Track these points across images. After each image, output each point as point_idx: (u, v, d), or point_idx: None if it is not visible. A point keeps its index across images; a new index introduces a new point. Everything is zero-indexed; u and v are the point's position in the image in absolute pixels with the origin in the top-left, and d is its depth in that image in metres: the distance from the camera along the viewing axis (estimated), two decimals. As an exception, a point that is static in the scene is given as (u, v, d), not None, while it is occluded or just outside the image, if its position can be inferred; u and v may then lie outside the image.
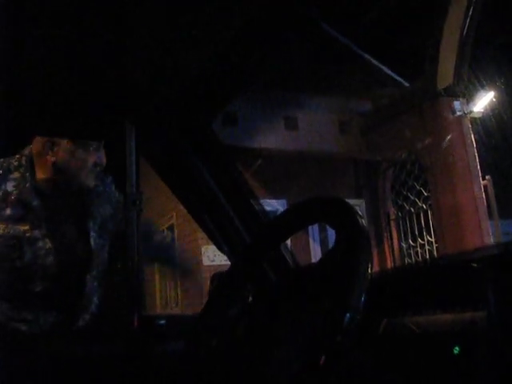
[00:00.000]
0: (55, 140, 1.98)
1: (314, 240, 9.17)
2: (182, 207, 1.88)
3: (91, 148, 2.03)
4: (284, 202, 8.69)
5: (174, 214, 9.32)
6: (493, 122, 8.13)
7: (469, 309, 1.08)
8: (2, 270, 1.95)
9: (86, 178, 2.08)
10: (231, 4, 1.17)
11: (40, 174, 2.04)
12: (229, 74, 1.52)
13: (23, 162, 2.03)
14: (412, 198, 9.30)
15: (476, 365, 1.03)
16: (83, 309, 2.07)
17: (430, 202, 8.83)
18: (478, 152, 8.23)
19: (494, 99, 8.20)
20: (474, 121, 8.37)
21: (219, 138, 1.72)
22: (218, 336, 1.27)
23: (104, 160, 2.11)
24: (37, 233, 1.98)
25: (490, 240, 7.91)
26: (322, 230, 8.97)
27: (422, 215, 9.06)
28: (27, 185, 2.00)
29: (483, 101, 8.27)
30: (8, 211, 1.96)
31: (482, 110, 8.30)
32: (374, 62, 9.35)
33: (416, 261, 9.30)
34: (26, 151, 2.06)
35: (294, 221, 1.25)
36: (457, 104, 8.23)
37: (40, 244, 1.98)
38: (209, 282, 1.71)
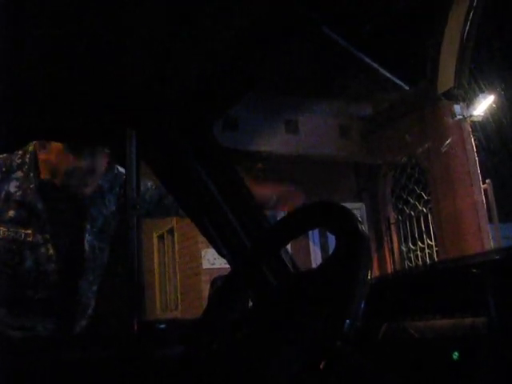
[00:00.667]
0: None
1: (314, 244, 9.17)
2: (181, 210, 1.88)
3: (98, 152, 1.96)
4: (284, 205, 8.67)
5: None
6: (493, 125, 8.14)
7: (468, 314, 1.08)
8: (0, 275, 1.90)
9: (92, 181, 2.01)
10: (232, 7, 1.17)
11: (44, 175, 1.95)
12: (230, 78, 1.52)
13: (26, 159, 1.94)
14: (412, 201, 9.30)
15: (476, 370, 1.03)
16: (83, 313, 2.05)
17: (430, 206, 8.84)
18: (478, 156, 8.23)
19: (494, 103, 8.21)
20: (474, 125, 8.38)
21: (219, 141, 1.71)
22: (218, 340, 1.26)
23: (107, 165, 2.04)
24: (39, 238, 1.92)
25: (490, 244, 7.91)
26: (322, 235, 8.97)
27: (422, 219, 9.07)
28: (31, 186, 1.92)
29: (483, 105, 8.28)
30: (10, 213, 1.89)
31: (482, 114, 8.30)
32: (375, 65, 9.36)
33: (416, 265, 9.29)
34: (30, 147, 1.96)
35: (295, 226, 1.25)
36: (457, 108, 8.24)
37: (42, 250, 1.92)
38: (209, 286, 1.71)
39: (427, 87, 8.43)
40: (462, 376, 1.04)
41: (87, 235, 2.04)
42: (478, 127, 8.34)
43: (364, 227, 1.04)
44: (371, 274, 0.99)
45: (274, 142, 8.92)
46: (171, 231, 9.93)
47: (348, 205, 1.11)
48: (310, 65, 7.45)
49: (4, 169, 1.93)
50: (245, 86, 1.58)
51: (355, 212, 1.07)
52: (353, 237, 1.02)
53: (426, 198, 8.96)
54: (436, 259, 8.78)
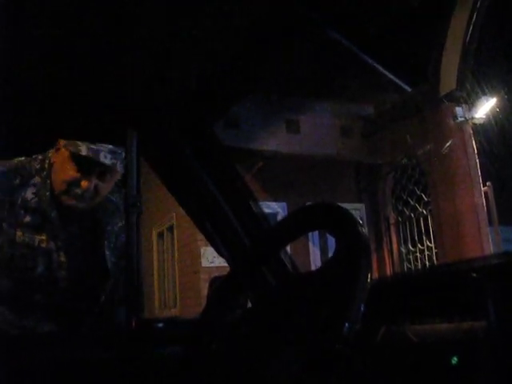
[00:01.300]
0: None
1: (313, 245, 9.17)
2: (181, 208, 1.87)
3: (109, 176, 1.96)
4: (284, 205, 8.69)
5: (174, 214, 9.32)
6: (494, 128, 8.13)
7: (468, 318, 1.08)
8: (11, 279, 1.92)
9: (104, 193, 2.01)
10: (232, 7, 1.17)
11: (58, 186, 1.95)
12: (231, 77, 1.52)
13: (45, 165, 1.96)
14: (412, 203, 9.30)
15: (475, 374, 1.03)
16: (83, 313, 2.06)
17: (430, 208, 8.83)
18: (479, 158, 8.23)
19: (496, 106, 8.20)
20: (475, 127, 8.37)
21: (220, 140, 1.71)
22: (217, 340, 1.26)
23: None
24: (52, 245, 1.94)
25: (490, 246, 7.91)
26: (322, 236, 8.97)
27: (421, 220, 9.06)
28: (47, 193, 1.94)
29: (485, 107, 8.28)
30: (27, 218, 1.91)
31: (484, 117, 8.30)
32: (377, 66, 9.36)
33: (415, 267, 9.29)
34: (50, 153, 1.99)
35: (294, 227, 1.25)
36: (459, 110, 8.23)
37: (54, 256, 1.94)
38: (207, 285, 1.71)
39: (429, 89, 8.43)
40: (461, 380, 1.04)
41: (100, 247, 2.07)
42: (480, 130, 8.34)
43: (364, 229, 1.04)
44: (371, 276, 0.98)
45: (275, 142, 8.92)
46: (171, 229, 9.93)
47: (348, 205, 1.10)
48: (311, 65, 7.45)
49: (24, 174, 1.95)
50: (245, 86, 1.58)
51: (355, 212, 1.07)
52: (353, 239, 1.02)
53: (426, 199, 8.95)
54: (435, 261, 8.78)
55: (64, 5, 1.04)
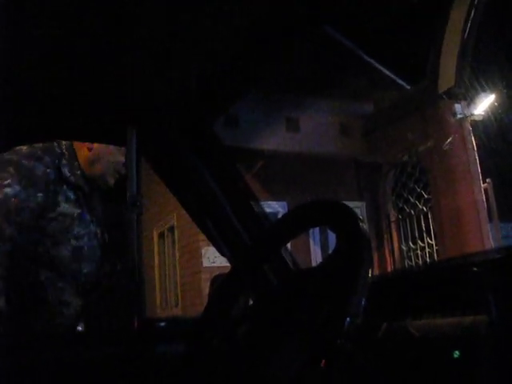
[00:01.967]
0: None
1: (314, 242, 9.18)
2: (182, 208, 1.88)
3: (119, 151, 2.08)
4: (284, 204, 8.69)
5: (175, 215, 9.32)
6: (494, 124, 8.13)
7: (469, 313, 1.08)
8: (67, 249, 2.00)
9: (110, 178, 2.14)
10: (232, 7, 1.17)
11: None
12: (229, 76, 1.52)
13: (64, 150, 2.06)
14: (412, 200, 9.30)
15: (476, 369, 1.03)
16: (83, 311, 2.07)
17: (430, 205, 8.83)
18: (478, 155, 8.23)
19: (495, 102, 8.21)
20: (474, 124, 8.37)
21: (220, 139, 1.71)
22: (218, 337, 1.26)
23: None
24: (90, 217, 2.08)
25: (490, 243, 7.91)
26: (323, 233, 8.97)
27: (422, 218, 9.06)
28: (78, 172, 2.06)
29: (484, 104, 8.28)
30: (69, 193, 2.02)
31: (483, 113, 8.30)
32: (376, 64, 9.37)
33: (416, 263, 9.29)
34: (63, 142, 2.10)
35: (295, 224, 1.25)
36: (458, 107, 8.23)
37: (92, 228, 2.08)
38: (209, 284, 1.71)
39: (428, 86, 8.43)
40: (463, 375, 1.04)
41: (101, 230, 2.18)
42: (479, 126, 8.34)
43: (365, 225, 1.05)
44: (372, 272, 0.99)
45: (275, 140, 8.92)
46: (172, 229, 9.93)
47: (348, 203, 1.11)
48: (311, 64, 7.46)
49: (54, 154, 2.04)
50: (245, 86, 1.58)
51: (356, 211, 1.07)
52: (354, 235, 1.02)
53: (426, 196, 8.96)
54: (436, 258, 8.78)
55: (64, 5, 1.05)
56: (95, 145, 2.08)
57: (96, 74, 1.38)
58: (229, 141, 7.59)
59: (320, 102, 9.31)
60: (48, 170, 1.95)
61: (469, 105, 8.27)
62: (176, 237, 9.73)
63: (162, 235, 10.62)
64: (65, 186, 2.01)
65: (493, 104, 8.22)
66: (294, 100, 9.00)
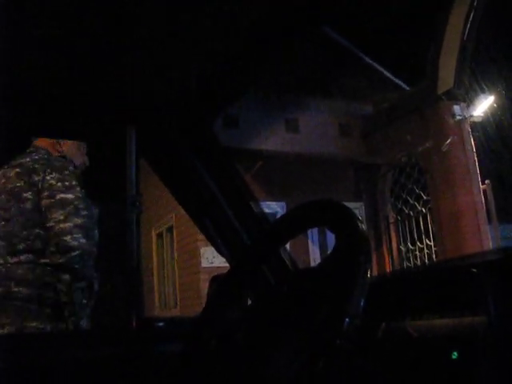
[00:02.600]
0: None
1: (313, 242, 9.18)
2: (181, 208, 1.88)
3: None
4: (283, 204, 8.69)
5: (174, 215, 9.32)
6: (493, 126, 8.14)
7: (468, 314, 1.08)
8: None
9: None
10: (232, 7, 1.17)
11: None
12: (229, 76, 1.52)
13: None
14: (411, 201, 9.31)
15: (475, 370, 1.03)
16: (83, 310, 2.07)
17: (429, 206, 8.84)
18: (477, 156, 8.24)
19: (495, 104, 8.21)
20: (473, 125, 8.38)
21: (219, 139, 1.71)
22: (217, 338, 1.26)
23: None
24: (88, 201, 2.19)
25: (489, 244, 7.92)
26: (321, 233, 8.97)
27: (421, 219, 9.07)
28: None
29: (483, 105, 8.29)
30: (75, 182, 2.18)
31: (482, 115, 8.31)
32: (375, 65, 9.37)
33: (415, 264, 9.30)
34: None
35: (294, 224, 1.25)
36: (457, 108, 8.24)
37: (94, 210, 2.20)
38: (208, 285, 1.71)
39: (427, 87, 8.44)
40: (462, 375, 1.04)
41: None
42: (478, 127, 8.35)
43: (364, 225, 1.04)
44: (370, 272, 0.99)
45: (274, 141, 8.92)
46: (170, 229, 9.93)
47: (347, 204, 1.10)
48: (310, 64, 7.46)
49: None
50: (244, 86, 1.58)
51: (354, 211, 1.07)
52: (352, 235, 1.02)
53: (425, 197, 8.96)
54: (435, 260, 8.78)
55: (64, 5, 1.04)
56: None
57: (96, 74, 1.38)
58: (228, 142, 7.60)
59: (319, 102, 9.32)
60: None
61: (468, 106, 8.28)
62: (174, 237, 9.73)
63: (160, 236, 10.62)
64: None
65: (492, 105, 8.23)
66: (294, 101, 9.01)
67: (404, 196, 9.50)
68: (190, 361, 1.29)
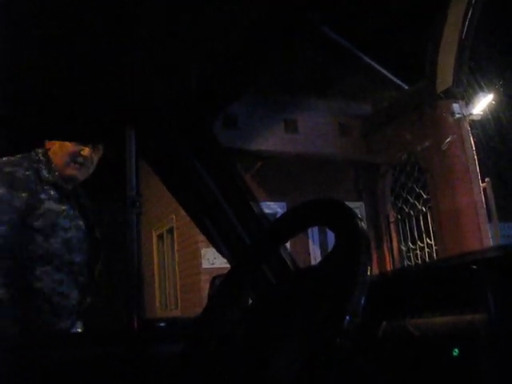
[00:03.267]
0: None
1: (313, 242, 9.18)
2: (181, 210, 1.88)
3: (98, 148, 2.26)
4: (283, 204, 8.69)
5: (174, 216, 9.32)
6: (492, 124, 8.14)
7: (468, 311, 1.08)
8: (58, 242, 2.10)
9: (95, 163, 2.29)
10: (232, 7, 1.17)
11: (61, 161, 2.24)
12: (229, 76, 1.52)
13: (41, 154, 2.22)
14: (411, 200, 9.31)
15: (475, 367, 1.03)
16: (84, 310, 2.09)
17: (429, 205, 8.84)
18: (477, 154, 8.24)
19: (494, 102, 8.21)
20: (473, 123, 8.38)
21: (219, 140, 1.71)
22: (217, 339, 1.26)
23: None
24: (74, 212, 2.22)
25: (489, 242, 7.92)
26: (322, 232, 8.97)
27: (421, 218, 9.07)
28: (56, 173, 2.21)
29: (482, 103, 8.29)
30: (52, 192, 2.17)
31: (482, 113, 8.31)
32: (374, 64, 9.37)
33: (415, 263, 9.30)
34: (40, 150, 2.25)
35: (294, 223, 1.25)
36: (456, 106, 8.24)
37: (76, 222, 2.22)
38: (208, 285, 1.71)
39: (426, 86, 8.44)
40: (462, 373, 1.04)
41: (92, 227, 2.32)
42: (478, 126, 8.35)
43: (364, 224, 1.05)
44: (371, 270, 0.99)
45: (274, 141, 8.92)
46: (171, 231, 9.93)
47: (347, 204, 1.11)
48: (309, 64, 7.46)
49: (33, 160, 2.23)
50: (244, 86, 1.58)
51: (355, 211, 1.07)
52: (352, 233, 1.02)
53: (425, 196, 8.96)
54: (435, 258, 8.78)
55: (64, 5, 1.05)
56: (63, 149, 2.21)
57: (95, 74, 1.38)
58: (227, 142, 7.60)
59: (318, 102, 9.32)
60: (27, 173, 2.13)
61: (467, 104, 8.28)
62: (175, 238, 9.73)
63: (161, 237, 10.62)
64: (46, 186, 2.16)
65: (491, 103, 8.23)
66: (293, 101, 9.01)
67: (404, 195, 9.50)
68: (191, 362, 1.29)
